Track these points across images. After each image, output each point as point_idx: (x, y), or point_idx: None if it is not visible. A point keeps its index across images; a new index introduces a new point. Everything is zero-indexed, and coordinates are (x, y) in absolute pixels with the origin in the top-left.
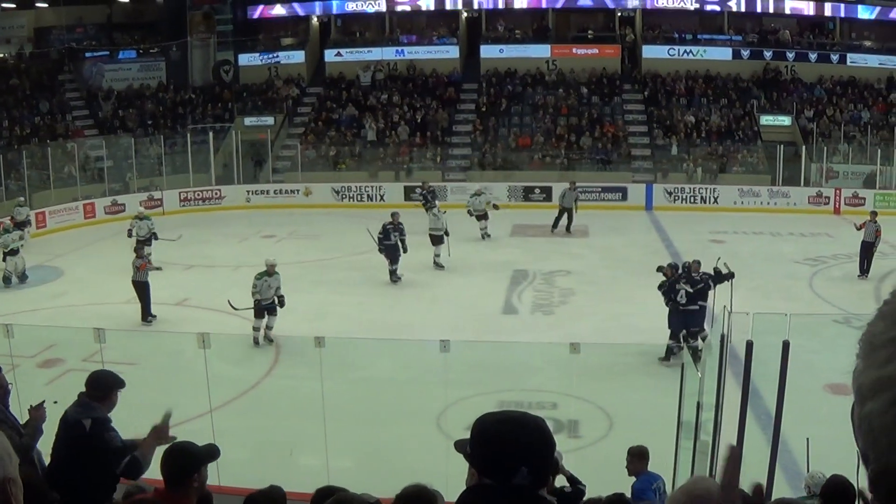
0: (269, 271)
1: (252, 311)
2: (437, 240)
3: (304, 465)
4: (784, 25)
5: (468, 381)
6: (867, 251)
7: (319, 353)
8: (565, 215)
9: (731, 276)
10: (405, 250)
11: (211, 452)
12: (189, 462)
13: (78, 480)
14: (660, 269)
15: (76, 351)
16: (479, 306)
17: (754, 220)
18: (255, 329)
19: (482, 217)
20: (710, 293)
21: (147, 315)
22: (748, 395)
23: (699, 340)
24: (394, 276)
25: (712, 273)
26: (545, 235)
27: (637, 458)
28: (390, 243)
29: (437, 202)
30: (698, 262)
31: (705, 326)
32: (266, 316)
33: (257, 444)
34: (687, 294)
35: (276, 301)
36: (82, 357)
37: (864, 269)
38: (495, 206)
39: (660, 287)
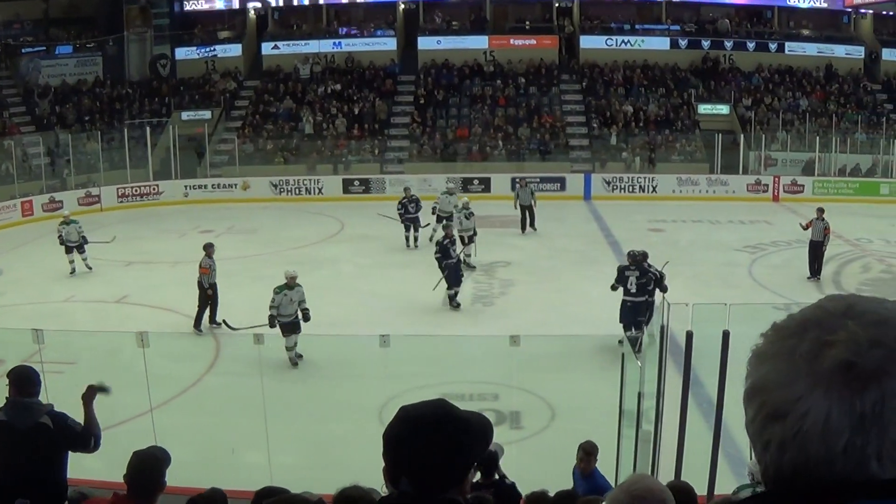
0: (290, 284)
1: (251, 328)
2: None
3: (247, 463)
4: (722, 14)
5: (409, 374)
6: (816, 251)
7: (259, 350)
8: (527, 213)
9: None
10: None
11: (168, 457)
12: (158, 471)
13: (51, 482)
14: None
15: (14, 352)
16: (419, 299)
17: (693, 208)
18: (290, 349)
19: (445, 218)
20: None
21: (212, 320)
22: (689, 385)
23: (643, 330)
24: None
25: (660, 272)
26: (484, 227)
27: (590, 455)
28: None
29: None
30: (646, 253)
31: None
32: (290, 333)
33: (199, 443)
34: (637, 283)
35: (300, 316)
36: (21, 358)
37: (815, 271)
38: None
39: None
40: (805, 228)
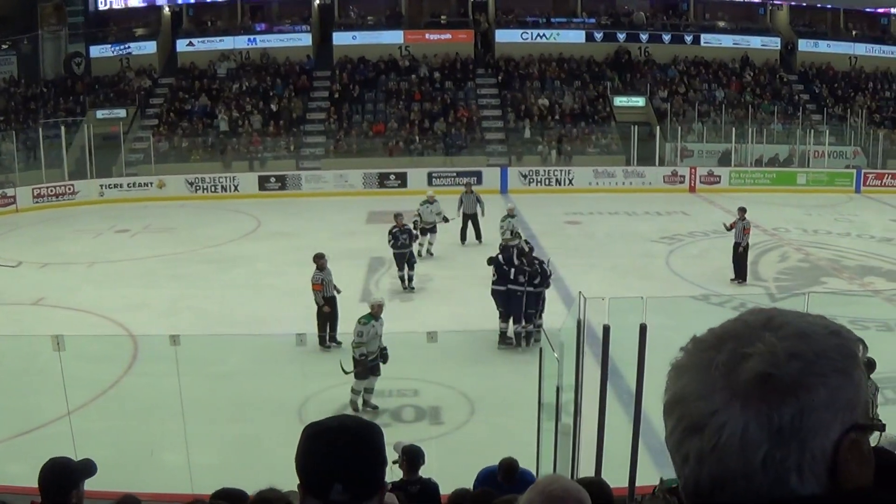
0: (375, 313)
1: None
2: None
3: (166, 464)
4: (638, 7)
5: (327, 371)
6: (736, 252)
7: (175, 351)
8: (470, 224)
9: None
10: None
11: (88, 468)
12: (68, 479)
13: None
14: None
15: None
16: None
17: (610, 200)
18: (355, 392)
19: (429, 230)
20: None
21: (332, 338)
22: (607, 377)
23: (536, 323)
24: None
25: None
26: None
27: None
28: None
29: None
30: (531, 245)
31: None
32: (369, 376)
33: (118, 445)
34: (524, 273)
35: (380, 356)
36: None
37: (739, 274)
38: (445, 219)
39: (490, 261)
40: (729, 229)
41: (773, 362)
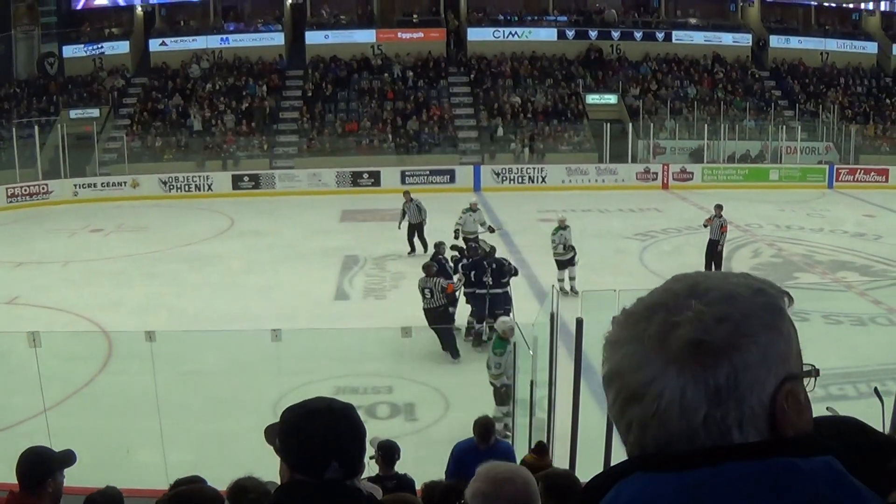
0: (508, 338)
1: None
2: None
3: (142, 462)
4: (609, 5)
5: (302, 369)
6: (713, 250)
7: (150, 348)
8: (416, 232)
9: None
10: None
11: (66, 458)
12: (44, 466)
13: None
14: None
15: None
16: (310, 293)
17: (583, 197)
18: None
19: (473, 241)
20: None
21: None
22: (580, 371)
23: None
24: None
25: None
26: (375, 220)
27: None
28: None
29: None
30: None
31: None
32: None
33: (94, 443)
34: (493, 274)
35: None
36: None
37: (712, 268)
38: (491, 229)
39: (463, 265)
40: (705, 226)
41: (703, 328)
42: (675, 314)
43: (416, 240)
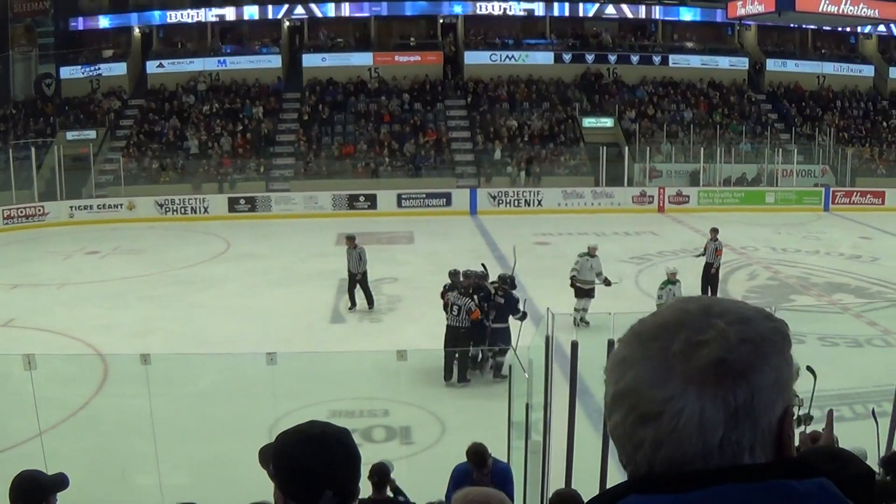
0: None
1: None
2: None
3: (138, 485)
4: (606, 29)
5: (298, 392)
6: (707, 273)
7: (146, 371)
8: (357, 283)
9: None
10: None
11: (59, 482)
12: (37, 491)
13: None
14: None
15: None
16: (306, 316)
17: (579, 221)
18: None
19: (586, 294)
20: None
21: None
22: (576, 394)
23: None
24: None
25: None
26: (371, 243)
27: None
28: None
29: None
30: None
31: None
32: None
33: (89, 466)
34: (498, 309)
35: None
36: None
37: (708, 292)
38: (608, 282)
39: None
40: (702, 253)
41: (727, 347)
42: (698, 333)
43: (357, 292)
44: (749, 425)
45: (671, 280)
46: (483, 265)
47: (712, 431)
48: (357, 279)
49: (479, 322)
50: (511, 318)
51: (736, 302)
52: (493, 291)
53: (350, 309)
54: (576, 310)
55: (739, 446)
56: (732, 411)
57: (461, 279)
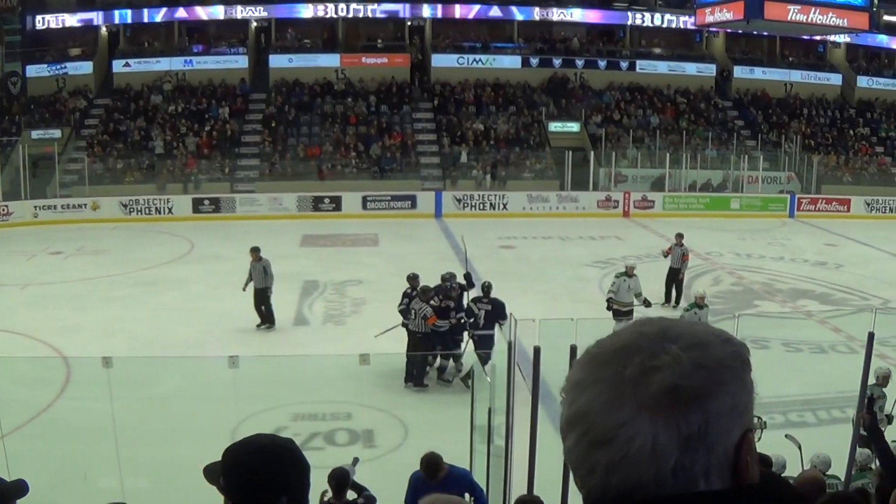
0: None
1: None
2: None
3: (100, 488)
4: (574, 33)
5: (260, 395)
6: (674, 277)
7: (108, 374)
8: (261, 302)
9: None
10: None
11: (18, 488)
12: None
13: None
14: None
15: None
16: None
17: (544, 225)
18: None
19: (624, 316)
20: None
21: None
22: (538, 399)
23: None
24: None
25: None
26: (336, 245)
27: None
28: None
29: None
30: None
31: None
32: None
33: (51, 469)
34: (486, 314)
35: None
36: None
37: (672, 298)
38: (647, 303)
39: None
40: (665, 255)
41: (681, 373)
42: (651, 358)
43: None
44: (703, 452)
45: (629, 273)
46: (466, 275)
47: (665, 458)
48: (269, 294)
49: (451, 328)
50: (497, 324)
51: (695, 325)
52: (465, 302)
53: (258, 326)
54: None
55: (693, 473)
56: (686, 438)
57: (419, 283)
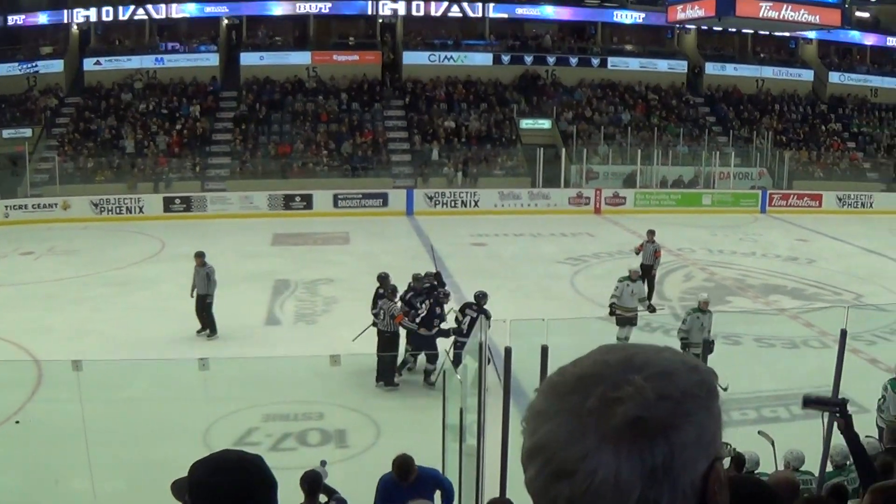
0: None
1: None
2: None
3: (72, 490)
4: (546, 31)
5: (231, 396)
6: (646, 274)
7: (78, 376)
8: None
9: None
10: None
11: None
12: None
13: None
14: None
15: None
16: (241, 318)
17: (515, 222)
18: None
19: (628, 321)
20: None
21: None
22: (510, 398)
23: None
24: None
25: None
26: (307, 244)
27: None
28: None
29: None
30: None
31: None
32: None
33: (23, 472)
34: (471, 321)
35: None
36: None
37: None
38: (652, 308)
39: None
40: (637, 252)
41: (644, 405)
42: (614, 389)
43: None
44: (668, 484)
45: (633, 278)
46: (437, 274)
47: (629, 491)
48: (207, 301)
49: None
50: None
51: (662, 352)
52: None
53: (199, 333)
54: (618, 339)
55: None
56: (650, 470)
57: (390, 282)
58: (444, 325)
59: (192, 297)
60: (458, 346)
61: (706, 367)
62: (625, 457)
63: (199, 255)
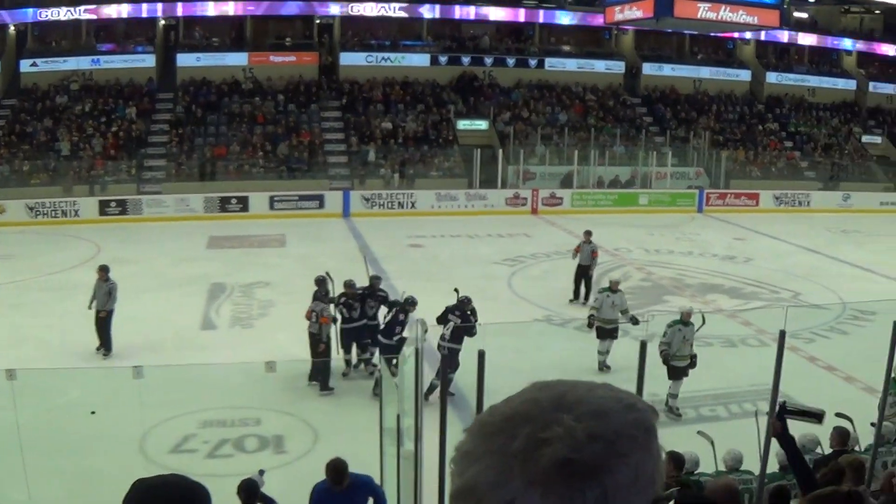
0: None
1: None
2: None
3: (9, 500)
4: (484, 32)
5: (168, 402)
6: (584, 274)
7: (12, 385)
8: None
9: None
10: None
11: None
12: None
13: None
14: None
15: None
16: (176, 323)
17: (452, 223)
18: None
19: (608, 334)
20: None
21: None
22: (447, 402)
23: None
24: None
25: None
26: (243, 247)
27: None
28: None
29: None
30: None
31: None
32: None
33: None
34: (453, 328)
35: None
36: None
37: (581, 294)
38: (634, 320)
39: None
40: (574, 255)
41: (573, 446)
42: (542, 429)
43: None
44: None
45: (613, 289)
46: (375, 277)
47: None
48: (102, 317)
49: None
50: (466, 337)
51: (597, 389)
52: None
53: (98, 350)
54: (599, 353)
55: None
56: None
57: (328, 286)
58: (405, 334)
59: (89, 308)
60: (450, 354)
61: (645, 404)
62: (554, 501)
63: (103, 269)
